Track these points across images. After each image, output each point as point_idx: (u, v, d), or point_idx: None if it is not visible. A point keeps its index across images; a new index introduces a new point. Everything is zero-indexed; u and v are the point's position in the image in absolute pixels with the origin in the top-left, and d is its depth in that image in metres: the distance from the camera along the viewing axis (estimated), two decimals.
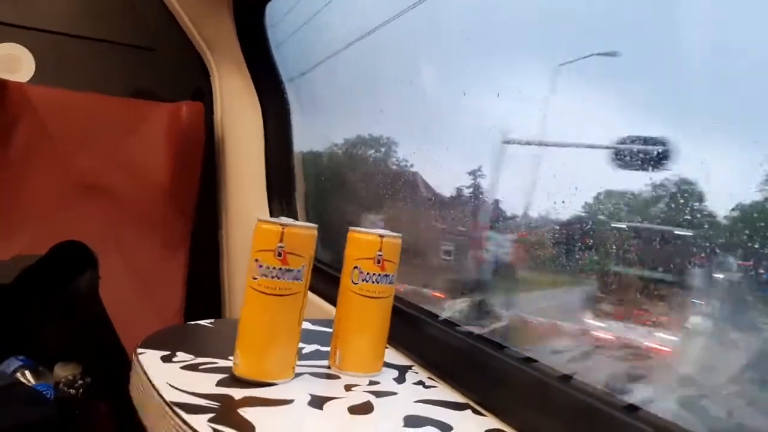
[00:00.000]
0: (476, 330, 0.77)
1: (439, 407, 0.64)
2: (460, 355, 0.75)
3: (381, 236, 0.69)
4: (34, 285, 0.95)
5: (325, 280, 1.00)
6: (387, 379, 0.71)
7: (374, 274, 0.69)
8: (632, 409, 0.55)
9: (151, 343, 0.72)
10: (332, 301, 0.73)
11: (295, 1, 1.48)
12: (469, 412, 0.64)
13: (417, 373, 0.75)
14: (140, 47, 1.51)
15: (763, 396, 0.59)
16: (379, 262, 0.69)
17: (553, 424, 0.59)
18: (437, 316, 0.86)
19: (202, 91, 1.56)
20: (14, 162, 1.31)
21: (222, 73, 1.56)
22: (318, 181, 1.56)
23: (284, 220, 0.63)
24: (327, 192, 1.56)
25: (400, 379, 0.71)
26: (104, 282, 1.00)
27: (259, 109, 1.52)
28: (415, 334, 0.83)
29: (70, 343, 1.00)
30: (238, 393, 0.60)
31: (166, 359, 0.67)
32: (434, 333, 0.81)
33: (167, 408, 0.56)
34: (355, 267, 0.69)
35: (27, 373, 0.96)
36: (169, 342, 0.73)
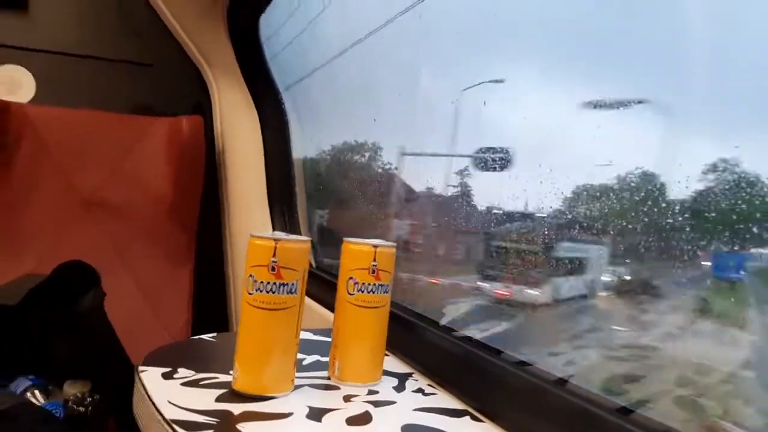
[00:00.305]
0: None
1: (437, 415, 0.64)
2: (457, 360, 0.75)
3: (375, 246, 0.69)
4: (40, 305, 0.96)
5: (325, 287, 1.01)
6: (386, 387, 0.71)
7: (370, 284, 0.69)
8: (626, 412, 0.55)
9: (152, 360, 0.72)
10: (333, 308, 0.73)
11: (287, 15, 1.50)
12: (467, 418, 0.64)
13: (417, 380, 0.75)
14: (139, 63, 1.52)
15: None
16: (374, 272, 0.69)
17: (549, 427, 0.59)
18: (437, 323, 0.86)
19: (201, 105, 1.57)
20: (19, 183, 1.33)
21: (221, 87, 1.57)
22: (316, 186, 1.58)
23: (277, 234, 0.64)
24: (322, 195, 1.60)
25: (400, 388, 0.72)
26: (111, 298, 1.01)
27: (258, 121, 1.53)
28: (415, 341, 0.83)
29: (77, 360, 1.01)
30: (237, 408, 0.60)
31: (167, 376, 0.68)
32: (433, 339, 0.81)
33: (167, 426, 0.57)
34: (351, 277, 0.70)
35: (37, 392, 0.97)
36: (170, 358, 0.73)
